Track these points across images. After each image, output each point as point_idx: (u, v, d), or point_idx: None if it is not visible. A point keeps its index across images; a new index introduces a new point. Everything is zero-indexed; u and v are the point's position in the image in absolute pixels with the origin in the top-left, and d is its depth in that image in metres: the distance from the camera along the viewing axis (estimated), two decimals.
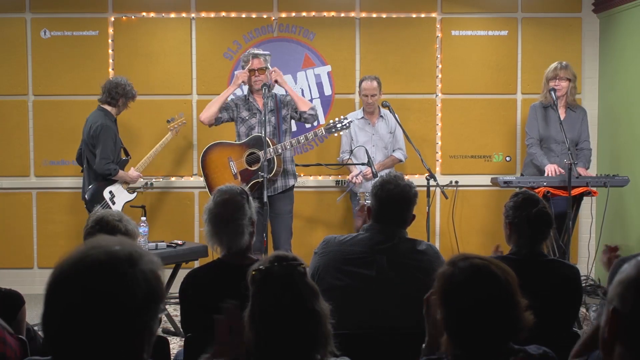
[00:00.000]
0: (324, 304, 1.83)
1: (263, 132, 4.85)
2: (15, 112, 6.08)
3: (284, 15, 6.13)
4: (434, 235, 6.18)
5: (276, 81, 5.14)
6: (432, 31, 6.18)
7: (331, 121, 5.02)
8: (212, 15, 6.13)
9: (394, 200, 2.81)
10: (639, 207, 5.61)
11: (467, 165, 6.23)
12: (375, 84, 5.49)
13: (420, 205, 2.99)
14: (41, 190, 6.13)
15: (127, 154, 5.46)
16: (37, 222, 6.13)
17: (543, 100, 5.40)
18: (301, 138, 5.00)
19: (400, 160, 5.68)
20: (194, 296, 2.67)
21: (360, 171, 5.39)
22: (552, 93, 5.19)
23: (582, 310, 4.71)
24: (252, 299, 1.81)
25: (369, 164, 5.03)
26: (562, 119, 5.18)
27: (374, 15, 6.16)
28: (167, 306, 5.06)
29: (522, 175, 5.51)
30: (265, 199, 4.56)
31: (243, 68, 5.18)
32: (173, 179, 6.16)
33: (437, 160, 6.22)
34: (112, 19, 6.09)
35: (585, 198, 5.19)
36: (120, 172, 5.25)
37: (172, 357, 2.92)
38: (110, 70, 6.05)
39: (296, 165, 5.30)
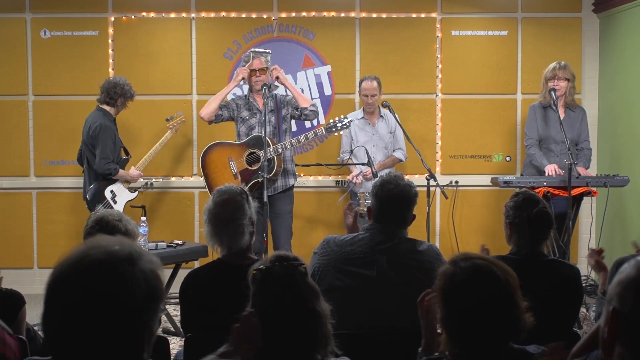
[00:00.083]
0: (325, 304, 1.83)
1: (263, 132, 4.86)
2: (15, 112, 6.08)
3: (284, 15, 6.14)
4: (434, 235, 6.18)
5: (277, 78, 5.15)
6: (432, 31, 6.18)
7: (331, 121, 5.03)
8: (212, 15, 6.13)
9: (394, 200, 2.81)
10: (639, 207, 5.61)
11: (467, 165, 6.23)
12: (375, 84, 5.49)
13: (420, 205, 2.99)
14: (41, 190, 6.13)
15: (127, 153, 5.46)
16: (37, 222, 6.13)
17: (542, 101, 5.40)
18: (301, 137, 5.01)
19: (401, 160, 5.68)
20: (194, 296, 2.67)
21: (361, 171, 5.39)
22: (552, 93, 5.19)
23: (582, 310, 4.71)
24: (252, 298, 1.81)
25: (369, 164, 5.03)
26: (561, 119, 5.18)
27: (374, 15, 6.16)
28: (167, 306, 5.06)
29: (522, 175, 5.51)
30: (265, 199, 4.56)
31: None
32: (173, 179, 6.16)
33: (437, 160, 6.22)
34: (112, 19, 6.09)
35: (585, 198, 5.19)
36: (121, 171, 5.26)
37: (172, 357, 2.92)
38: (110, 70, 6.05)
39: (296, 165, 5.30)
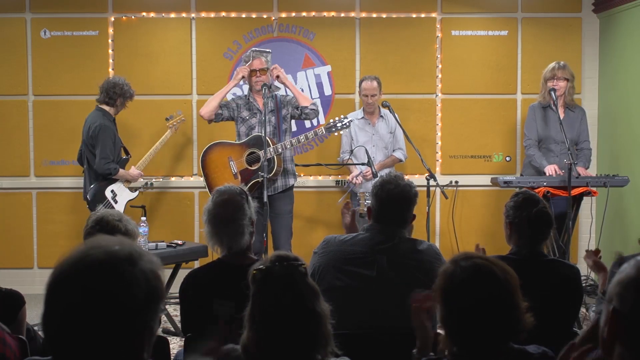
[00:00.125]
0: (325, 304, 1.83)
1: (263, 132, 4.86)
2: (15, 112, 6.08)
3: (284, 15, 6.14)
4: (434, 235, 6.18)
5: (277, 77, 5.15)
6: (432, 31, 6.18)
7: (331, 120, 5.03)
8: (212, 15, 6.13)
9: (394, 200, 2.81)
10: (639, 207, 5.61)
11: (467, 165, 6.23)
12: (375, 84, 5.49)
13: (420, 205, 2.99)
14: (41, 190, 6.13)
15: (127, 152, 5.47)
16: (37, 222, 6.13)
17: (541, 101, 5.41)
18: (301, 137, 5.01)
19: (401, 160, 5.68)
20: (194, 296, 2.67)
21: (360, 171, 5.39)
22: (553, 93, 5.19)
23: (582, 310, 4.71)
24: (252, 298, 1.81)
25: (369, 164, 5.03)
26: (561, 119, 5.18)
27: (374, 15, 6.16)
28: (167, 306, 5.06)
29: (522, 175, 5.51)
30: (265, 199, 4.57)
31: None
32: (173, 179, 6.16)
33: (437, 160, 6.22)
34: (112, 19, 6.09)
35: (585, 198, 5.19)
36: (121, 170, 5.26)
37: (172, 357, 2.92)
38: (110, 70, 6.05)
39: (296, 165, 5.30)
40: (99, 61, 6.05)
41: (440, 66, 6.19)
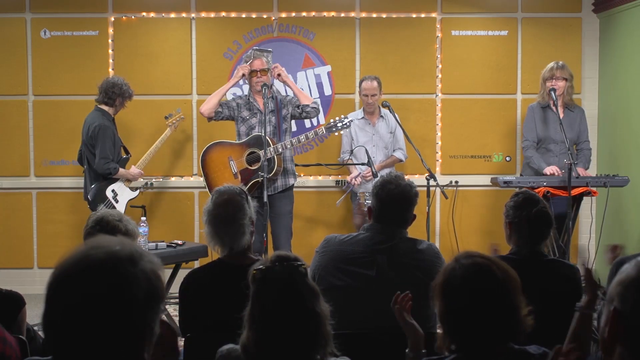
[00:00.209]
0: (324, 304, 1.83)
1: (263, 132, 4.86)
2: (15, 112, 6.08)
3: (284, 15, 6.14)
4: (434, 235, 6.17)
5: (279, 75, 5.15)
6: (432, 31, 6.18)
7: (332, 120, 5.03)
8: (212, 15, 6.13)
9: (394, 200, 2.81)
10: (639, 207, 5.61)
11: (467, 165, 6.23)
12: (375, 83, 5.50)
13: (420, 205, 2.99)
14: (41, 190, 6.13)
15: (127, 152, 5.47)
16: (37, 222, 6.13)
17: (540, 101, 5.41)
18: (302, 137, 5.01)
19: (401, 160, 5.68)
20: (194, 296, 2.67)
21: (360, 172, 5.39)
22: (553, 93, 5.19)
23: None
24: (252, 298, 1.81)
25: (369, 164, 5.03)
26: (560, 119, 5.18)
27: (374, 15, 6.16)
28: (167, 306, 5.06)
29: (521, 175, 5.51)
30: (266, 199, 4.57)
31: None
32: (173, 179, 6.16)
33: (437, 160, 6.21)
34: (112, 19, 6.09)
35: (585, 198, 5.19)
36: (121, 170, 5.27)
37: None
38: (110, 70, 6.05)
39: (296, 165, 5.30)
40: (99, 61, 6.05)
41: (440, 66, 6.19)
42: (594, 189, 4.97)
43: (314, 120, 6.09)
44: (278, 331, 1.76)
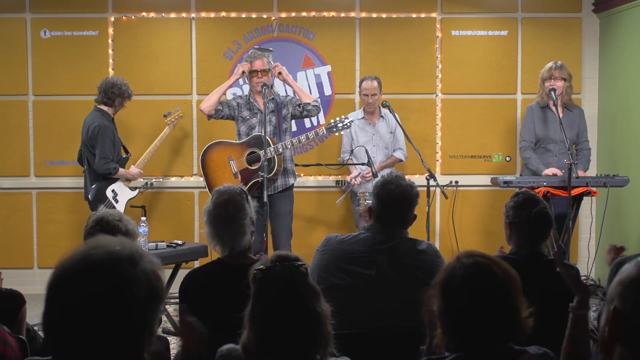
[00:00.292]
0: (325, 304, 1.83)
1: (263, 132, 4.86)
2: (15, 112, 6.08)
3: (284, 15, 6.14)
4: (434, 235, 6.18)
5: (279, 73, 5.16)
6: (432, 31, 6.18)
7: (332, 121, 5.03)
8: (212, 15, 6.13)
9: (395, 201, 2.81)
10: (639, 207, 5.61)
11: (467, 165, 6.23)
12: (375, 83, 5.50)
13: (420, 205, 2.99)
14: (41, 190, 6.13)
15: (126, 151, 5.47)
16: (37, 222, 6.13)
17: (539, 101, 5.42)
18: (302, 137, 5.01)
19: (401, 160, 5.68)
20: (194, 296, 2.67)
21: (359, 172, 5.39)
22: (553, 93, 5.19)
23: None
24: (253, 298, 1.81)
25: (369, 164, 5.04)
26: (558, 119, 5.19)
27: (374, 15, 6.16)
28: (167, 306, 5.06)
29: (521, 175, 5.52)
30: (266, 199, 4.57)
31: None
32: (173, 179, 6.16)
33: (437, 160, 6.22)
34: (112, 19, 6.09)
35: (585, 198, 5.20)
36: (121, 169, 5.27)
37: (172, 357, 2.92)
38: (110, 70, 6.05)
39: (296, 165, 5.30)
40: (99, 61, 6.05)
41: (440, 66, 6.19)
42: (594, 189, 4.97)
43: (314, 121, 6.10)
44: (278, 331, 1.76)
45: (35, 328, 2.89)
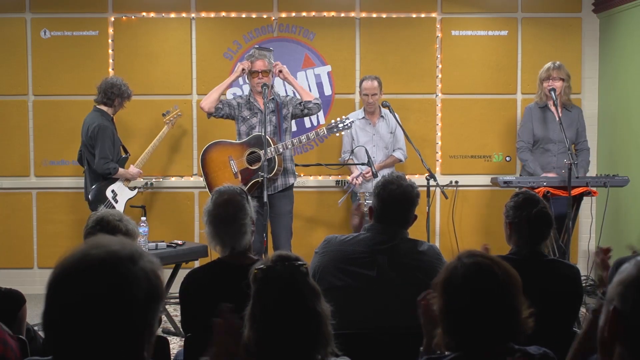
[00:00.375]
0: (325, 304, 1.83)
1: (263, 132, 4.86)
2: (15, 112, 6.08)
3: (284, 15, 6.14)
4: (434, 235, 6.18)
5: (280, 72, 5.16)
6: (432, 31, 6.18)
7: (333, 121, 5.03)
8: (212, 15, 6.13)
9: (396, 201, 2.81)
10: (639, 207, 5.61)
11: (467, 165, 6.23)
12: (375, 83, 5.50)
13: (420, 205, 2.99)
14: (41, 190, 6.13)
15: (126, 151, 5.47)
16: (37, 222, 6.13)
17: (538, 101, 5.43)
18: (302, 138, 5.01)
19: (400, 160, 5.68)
20: (194, 296, 2.67)
21: (360, 172, 5.40)
22: (553, 93, 5.20)
23: (582, 310, 4.70)
24: (253, 298, 1.81)
25: (369, 164, 5.04)
26: (557, 119, 5.19)
27: (374, 15, 6.16)
28: (167, 306, 5.06)
29: (521, 175, 5.52)
30: (266, 199, 4.57)
31: None
32: (173, 179, 6.16)
33: (437, 160, 6.22)
34: (112, 19, 6.09)
35: (585, 198, 5.20)
36: (121, 169, 5.27)
37: (172, 357, 2.92)
38: (110, 70, 6.05)
39: (296, 165, 5.31)
40: (99, 61, 6.05)
41: (440, 66, 6.19)
42: (594, 189, 4.97)
43: (314, 121, 6.10)
44: (279, 331, 1.76)
45: (35, 328, 2.88)
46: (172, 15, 6.10)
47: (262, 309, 1.77)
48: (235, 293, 1.97)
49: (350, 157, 5.49)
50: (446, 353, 1.83)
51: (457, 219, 6.12)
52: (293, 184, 5.24)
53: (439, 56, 6.19)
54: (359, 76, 6.01)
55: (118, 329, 1.25)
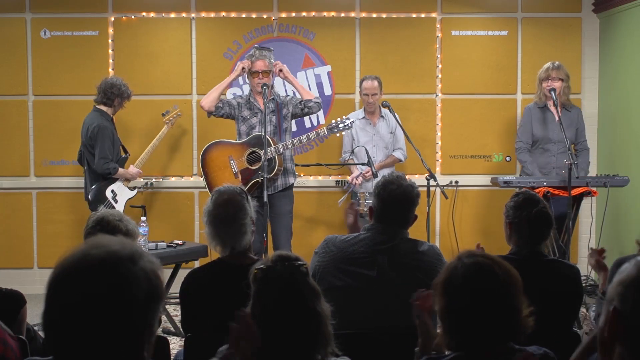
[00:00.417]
0: (325, 304, 1.83)
1: (263, 131, 4.86)
2: (15, 112, 6.08)
3: (284, 15, 6.14)
4: (434, 235, 6.18)
5: (280, 71, 5.16)
6: (432, 31, 6.18)
7: (333, 121, 5.03)
8: (212, 15, 6.13)
9: (396, 201, 2.81)
10: (639, 207, 5.61)
11: (467, 165, 6.23)
12: (376, 83, 5.50)
13: (420, 205, 2.99)
14: (41, 190, 6.13)
15: (125, 151, 5.48)
16: (37, 222, 6.13)
17: (537, 101, 5.43)
18: (303, 138, 5.02)
19: (400, 160, 5.68)
20: (195, 296, 2.67)
21: (360, 172, 5.40)
22: (553, 93, 5.20)
23: (582, 310, 4.71)
24: (253, 298, 1.81)
25: (369, 163, 5.04)
26: (557, 119, 5.19)
27: (374, 15, 6.16)
28: (167, 306, 5.06)
29: (521, 175, 5.52)
30: (266, 199, 4.57)
31: None
32: (173, 179, 6.16)
33: (437, 160, 6.22)
34: (112, 19, 6.09)
35: (585, 198, 5.20)
36: (120, 169, 5.27)
37: (172, 357, 2.92)
38: (110, 70, 6.05)
39: (296, 165, 5.31)
40: (99, 61, 6.05)
41: (440, 66, 6.19)
42: (594, 189, 4.97)
43: (314, 121, 6.10)
44: (279, 331, 1.76)
45: (35, 328, 2.88)
46: (172, 15, 6.10)
47: (262, 309, 1.78)
48: (235, 293, 1.97)
49: (351, 157, 5.50)
50: (446, 353, 1.83)
51: (457, 219, 6.12)
52: (293, 183, 5.25)
53: (439, 56, 6.19)
54: (359, 76, 6.01)
55: (118, 329, 1.24)
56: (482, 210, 6.22)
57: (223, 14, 6.13)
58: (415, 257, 2.77)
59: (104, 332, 1.23)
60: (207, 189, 5.14)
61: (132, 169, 5.41)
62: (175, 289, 3.12)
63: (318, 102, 5.20)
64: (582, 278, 3.12)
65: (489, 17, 6.20)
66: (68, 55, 6.05)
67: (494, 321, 1.76)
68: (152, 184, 6.05)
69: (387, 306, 2.66)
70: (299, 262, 1.84)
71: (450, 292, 1.80)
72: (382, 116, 5.64)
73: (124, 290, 1.25)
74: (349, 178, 5.56)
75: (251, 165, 5.04)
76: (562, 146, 5.23)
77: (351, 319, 2.42)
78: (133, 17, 6.09)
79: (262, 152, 4.79)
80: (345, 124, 4.99)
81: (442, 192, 5.25)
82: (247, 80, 5.42)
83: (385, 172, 4.41)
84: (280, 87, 5.76)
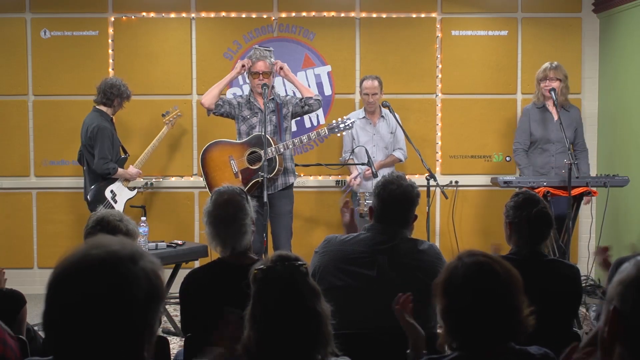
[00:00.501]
0: (325, 304, 1.83)
1: (263, 131, 4.86)
2: (15, 112, 6.08)
3: (284, 15, 6.14)
4: (434, 235, 6.18)
5: (281, 69, 5.16)
6: (432, 31, 6.18)
7: (334, 121, 5.03)
8: (212, 15, 6.13)
9: (396, 201, 2.81)
10: (639, 207, 5.61)
11: (467, 165, 6.23)
12: (376, 83, 5.50)
13: (420, 205, 2.99)
14: (41, 190, 6.13)
15: (125, 152, 5.48)
16: (37, 222, 6.13)
17: (536, 102, 5.44)
18: (303, 137, 5.01)
19: (400, 160, 5.68)
20: (194, 296, 2.67)
21: (359, 173, 5.40)
22: (553, 93, 5.21)
23: (582, 310, 4.71)
24: (253, 298, 1.81)
25: (369, 163, 5.04)
26: (556, 119, 5.20)
27: (374, 15, 6.16)
28: (167, 306, 5.06)
29: (521, 175, 5.52)
30: (266, 199, 4.56)
31: None
32: (173, 179, 6.16)
33: (437, 160, 6.22)
34: (112, 19, 6.09)
35: (585, 198, 5.20)
36: (120, 170, 5.28)
37: (172, 357, 2.92)
38: (110, 70, 6.05)
39: (296, 165, 5.31)
40: (99, 61, 6.05)
41: (440, 66, 6.19)
42: (594, 189, 4.97)
43: (315, 121, 6.10)
44: (279, 331, 1.76)
45: (35, 328, 2.89)
46: (172, 15, 6.10)
47: (262, 309, 1.78)
48: (235, 293, 1.97)
49: (351, 156, 5.50)
50: (447, 352, 1.83)
51: (457, 219, 6.12)
52: (293, 183, 5.25)
53: (439, 56, 6.19)
54: (359, 76, 6.01)
55: (118, 329, 1.24)
56: (482, 210, 6.22)
57: (223, 14, 6.13)
58: (415, 257, 2.76)
59: (104, 332, 1.23)
60: (207, 189, 5.14)
61: (132, 169, 5.41)
62: (175, 289, 3.12)
63: (318, 100, 5.21)
64: (582, 278, 3.12)
65: (489, 17, 6.20)
66: (68, 55, 6.05)
67: (495, 321, 1.76)
68: (152, 184, 6.05)
69: (387, 306, 2.65)
70: (299, 262, 1.84)
71: (451, 292, 1.80)
72: (382, 116, 5.64)
73: (124, 290, 1.25)
74: (347, 179, 5.56)
75: (251, 165, 5.04)
76: (561, 146, 5.23)
77: (351, 319, 2.42)
78: (133, 17, 6.09)
79: (262, 152, 4.79)
80: (346, 124, 4.99)
81: (442, 192, 5.25)
82: (247, 80, 5.42)
83: (385, 172, 4.40)
84: (280, 87, 5.76)
